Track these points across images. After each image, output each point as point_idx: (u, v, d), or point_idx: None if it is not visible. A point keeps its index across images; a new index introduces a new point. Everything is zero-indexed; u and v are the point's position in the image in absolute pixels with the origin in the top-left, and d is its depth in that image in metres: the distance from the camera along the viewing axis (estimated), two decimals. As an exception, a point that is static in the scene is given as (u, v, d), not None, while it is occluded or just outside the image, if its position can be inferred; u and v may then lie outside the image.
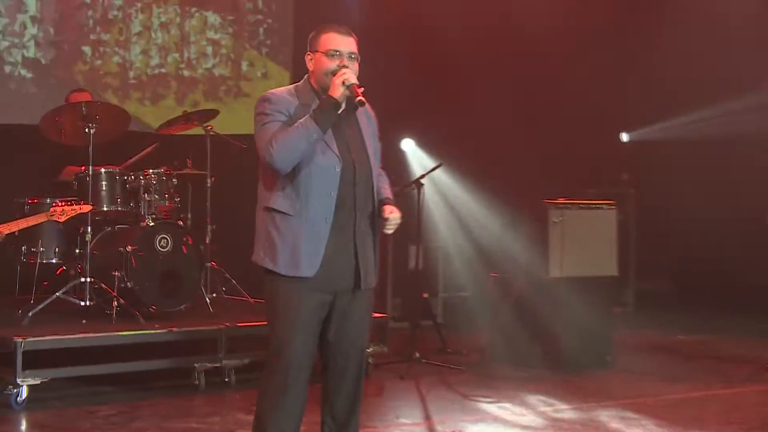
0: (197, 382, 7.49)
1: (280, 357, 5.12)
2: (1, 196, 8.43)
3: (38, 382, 7.07)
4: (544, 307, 8.52)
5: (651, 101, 12.51)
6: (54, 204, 7.42)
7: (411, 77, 11.87)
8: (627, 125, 13.11)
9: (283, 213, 5.06)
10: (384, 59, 11.07)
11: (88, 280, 7.67)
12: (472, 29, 11.83)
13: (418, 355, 8.49)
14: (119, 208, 8.05)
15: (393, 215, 5.04)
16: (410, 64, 11.86)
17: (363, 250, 5.16)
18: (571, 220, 8.54)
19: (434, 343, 9.18)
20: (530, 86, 12.23)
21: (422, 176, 8.95)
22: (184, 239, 8.18)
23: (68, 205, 7.18)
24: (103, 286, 7.71)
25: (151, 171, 8.13)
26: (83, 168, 7.75)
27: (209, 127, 8.74)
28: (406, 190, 8.94)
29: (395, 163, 10.82)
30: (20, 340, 6.85)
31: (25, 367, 7.03)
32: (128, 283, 7.76)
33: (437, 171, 9.52)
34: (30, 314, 7.49)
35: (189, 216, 8.91)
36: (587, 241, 8.66)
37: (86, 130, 7.71)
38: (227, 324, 7.71)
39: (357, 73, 5.09)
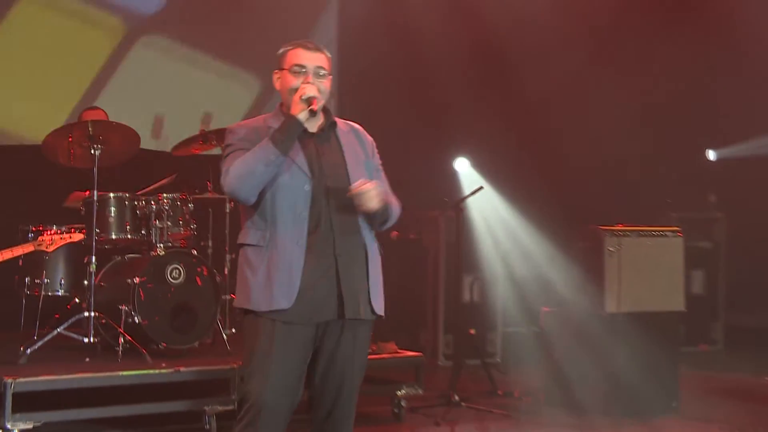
0: (208, 427, 7.05)
1: (251, 406, 4.74)
2: (9, 222, 8.11)
3: (30, 426, 6.65)
4: (600, 346, 7.86)
5: (741, 115, 11.72)
6: (46, 232, 7.04)
7: (469, 91, 11.44)
8: (714, 142, 12.41)
9: (254, 246, 4.83)
10: (441, 73, 10.96)
11: (93, 314, 7.20)
12: (538, 45, 11.45)
13: (457, 398, 7.90)
14: (129, 236, 7.65)
15: (362, 188, 4.67)
16: (469, 77, 11.50)
17: (348, 276, 4.82)
18: (629, 249, 7.87)
19: (485, 385, 8.63)
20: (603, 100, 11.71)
21: (462, 199, 8.42)
22: (198, 270, 7.76)
23: (57, 234, 6.84)
24: (109, 321, 7.27)
25: (164, 196, 7.70)
26: (88, 193, 7.37)
27: (202, 131, 8.31)
28: (448, 214, 8.56)
29: (445, 184, 10.59)
30: (10, 380, 6.47)
31: (15, 410, 6.66)
32: (136, 318, 7.37)
33: (494, 195, 9.16)
34: (28, 351, 7.06)
35: (210, 244, 8.52)
36: (649, 273, 8.00)
37: (91, 151, 7.29)
38: (241, 363, 7.13)
39: (327, 91, 4.91)
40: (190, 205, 7.97)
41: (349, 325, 4.85)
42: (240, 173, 4.73)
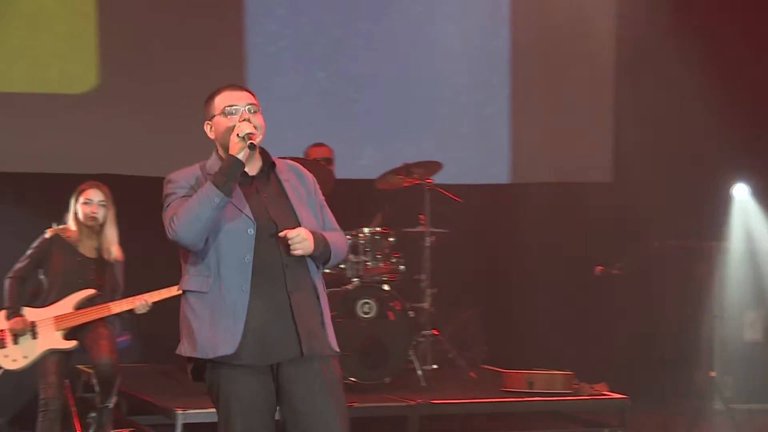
0: None
1: None
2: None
3: None
4: None
5: None
6: None
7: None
8: None
9: (197, 292, 4.86)
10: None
11: None
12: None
13: None
14: (325, 270, 7.74)
15: (288, 233, 4.73)
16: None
17: (302, 313, 4.78)
18: None
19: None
20: None
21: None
22: (391, 304, 7.85)
23: None
24: None
25: (364, 230, 7.92)
26: None
27: (429, 181, 8.41)
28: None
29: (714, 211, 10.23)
30: (180, 412, 7.04)
31: None
32: None
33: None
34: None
35: (422, 277, 8.48)
36: None
37: None
38: (419, 400, 7.30)
39: (262, 126, 4.95)
40: (391, 239, 8.09)
41: (311, 362, 4.84)
42: (185, 220, 4.81)
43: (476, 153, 11.74)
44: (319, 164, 8.45)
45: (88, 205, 7.34)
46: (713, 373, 9.18)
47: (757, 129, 11.25)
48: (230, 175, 4.79)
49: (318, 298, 4.92)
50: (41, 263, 7.65)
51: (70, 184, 7.68)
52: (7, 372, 7.70)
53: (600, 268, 8.64)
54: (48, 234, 7.31)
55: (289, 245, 4.73)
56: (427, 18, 11.53)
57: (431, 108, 11.42)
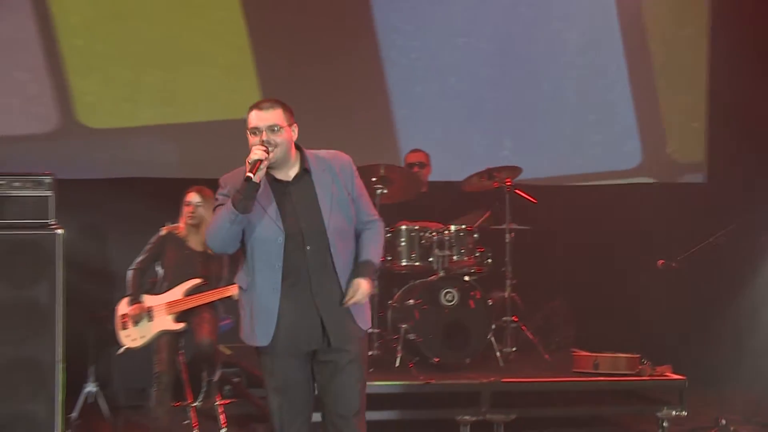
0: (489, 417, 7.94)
1: (273, 421, 5.55)
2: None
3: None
4: None
5: None
6: None
7: None
8: None
9: (242, 288, 5.52)
10: None
11: (374, 331, 8.34)
12: None
13: (724, 422, 8.12)
14: (415, 263, 8.62)
15: (353, 300, 5.27)
16: None
17: (328, 309, 5.37)
18: None
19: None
20: None
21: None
22: (472, 293, 8.59)
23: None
24: (392, 337, 8.52)
25: (450, 228, 8.61)
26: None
27: (508, 183, 9.03)
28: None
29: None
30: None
31: None
32: (411, 335, 8.34)
33: None
34: None
35: (510, 269, 9.14)
36: None
37: (376, 190, 8.46)
38: (492, 378, 8.07)
39: (285, 141, 5.45)
40: (475, 236, 8.77)
41: (338, 352, 5.42)
42: (211, 231, 5.44)
43: (605, 139, 12.22)
44: (409, 171, 9.31)
45: (188, 206, 8.19)
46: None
47: None
48: (246, 195, 5.30)
49: (341, 289, 5.47)
50: (158, 257, 8.44)
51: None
52: (128, 350, 8.57)
53: (662, 261, 9.10)
54: (163, 231, 8.23)
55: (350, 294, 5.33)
56: (543, 18, 12.03)
57: (558, 100, 11.95)
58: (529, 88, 12.15)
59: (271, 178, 5.48)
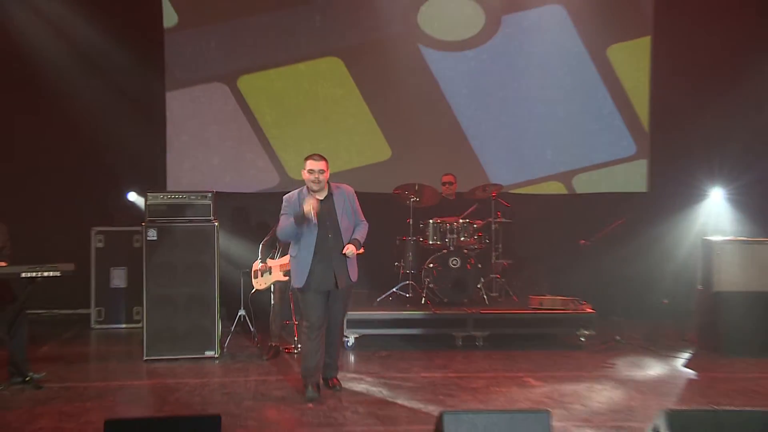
0: (459, 343, 11.11)
1: (306, 322, 8.77)
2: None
3: (357, 335, 11.28)
4: (710, 314, 11.06)
5: None
6: None
7: None
8: None
9: (292, 256, 8.84)
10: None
11: (410, 283, 11.78)
12: None
13: (618, 337, 11.34)
14: (437, 242, 11.83)
15: (347, 251, 8.57)
16: None
17: (339, 269, 8.71)
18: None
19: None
20: None
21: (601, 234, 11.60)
22: (469, 260, 11.69)
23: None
24: (416, 286, 11.74)
25: (460, 221, 11.74)
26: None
27: (493, 194, 12.15)
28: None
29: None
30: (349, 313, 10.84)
31: (348, 327, 11.26)
32: (431, 285, 11.63)
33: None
34: (378, 300, 11.87)
35: (500, 248, 12.28)
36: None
37: (410, 199, 11.92)
38: (471, 310, 11.28)
39: (323, 180, 8.63)
40: (475, 226, 11.82)
41: (338, 290, 8.67)
42: (281, 231, 8.67)
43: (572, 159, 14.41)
44: (431, 188, 12.37)
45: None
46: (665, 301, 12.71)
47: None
48: (300, 222, 8.44)
49: (346, 261, 8.68)
50: (275, 237, 10.55)
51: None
52: (257, 290, 11.19)
53: (582, 241, 11.88)
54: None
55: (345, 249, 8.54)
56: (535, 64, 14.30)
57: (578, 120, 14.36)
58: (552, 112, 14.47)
59: (311, 197, 8.62)
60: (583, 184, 14.58)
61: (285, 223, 8.69)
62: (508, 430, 6.55)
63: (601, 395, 9.16)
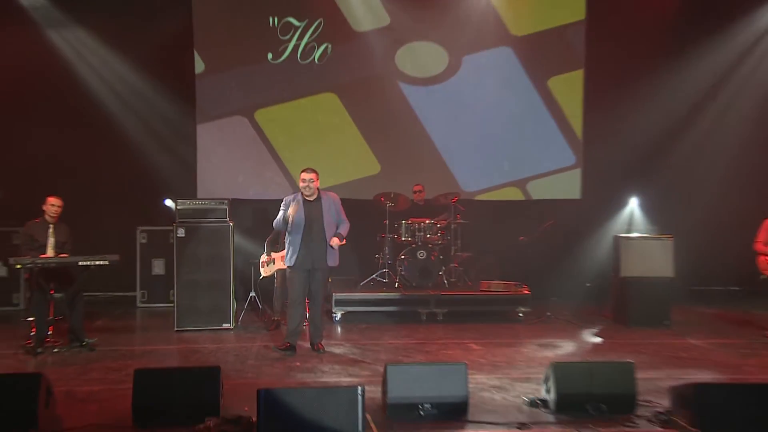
0: (423, 318, 11.67)
1: (292, 300, 9.50)
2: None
3: (343, 312, 11.97)
4: (619, 295, 11.74)
5: None
6: None
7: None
8: None
9: (286, 242, 9.60)
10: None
11: (387, 270, 12.45)
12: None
13: (549, 314, 12.03)
14: (408, 238, 12.40)
15: (333, 242, 9.28)
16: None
17: (318, 253, 9.38)
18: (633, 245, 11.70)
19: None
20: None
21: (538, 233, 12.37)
22: (433, 253, 12.30)
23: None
24: (392, 274, 12.38)
25: (425, 222, 12.31)
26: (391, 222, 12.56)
27: (454, 200, 12.78)
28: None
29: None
30: (334, 294, 11.76)
31: (336, 305, 12.05)
32: (402, 272, 12.27)
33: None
34: (361, 284, 12.51)
35: (459, 244, 12.84)
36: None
37: (387, 204, 12.55)
38: (433, 292, 11.89)
39: (314, 186, 9.31)
40: (438, 225, 12.36)
41: (316, 270, 9.36)
42: (276, 221, 9.45)
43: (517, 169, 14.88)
44: (404, 196, 12.97)
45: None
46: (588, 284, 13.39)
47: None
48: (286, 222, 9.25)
49: (326, 248, 9.35)
50: (277, 234, 11.06)
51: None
52: (264, 277, 11.60)
53: (522, 238, 12.82)
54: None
55: (331, 240, 9.15)
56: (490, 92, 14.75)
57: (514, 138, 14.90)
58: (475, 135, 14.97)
59: (303, 200, 9.33)
60: (536, 190, 15.10)
61: (279, 217, 9.55)
62: (434, 376, 7.28)
63: (523, 355, 9.81)
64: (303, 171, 9.58)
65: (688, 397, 7.07)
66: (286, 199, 9.66)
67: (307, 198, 9.46)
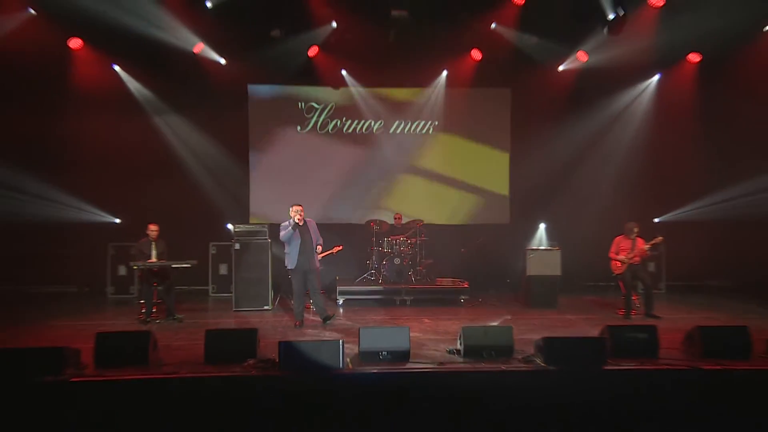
0: (397, 303, 12.25)
1: (294, 292, 10.01)
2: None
3: (344, 299, 12.65)
4: (527, 288, 12.28)
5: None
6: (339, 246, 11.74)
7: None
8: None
9: (286, 252, 10.04)
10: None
11: (373, 271, 13.17)
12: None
13: (480, 299, 12.71)
14: (388, 250, 13.15)
15: (318, 251, 9.76)
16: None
17: (311, 259, 9.94)
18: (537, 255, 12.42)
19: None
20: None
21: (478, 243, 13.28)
22: (405, 260, 12.92)
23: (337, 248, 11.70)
24: (380, 269, 12.97)
25: (401, 238, 13.07)
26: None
27: (419, 224, 13.60)
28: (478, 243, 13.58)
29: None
30: (338, 287, 12.51)
31: (340, 294, 12.64)
32: (384, 273, 12.97)
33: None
34: (356, 280, 13.26)
35: (423, 253, 13.55)
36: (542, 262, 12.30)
37: (374, 227, 13.43)
38: (404, 286, 12.53)
39: (301, 216, 9.65)
40: (409, 242, 13.05)
41: (309, 272, 9.86)
42: (282, 236, 9.78)
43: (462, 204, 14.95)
44: (384, 221, 13.72)
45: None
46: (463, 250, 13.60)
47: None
48: (295, 228, 9.62)
49: (315, 256, 9.87)
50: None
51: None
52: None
53: (464, 250, 13.59)
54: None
55: (317, 250, 9.75)
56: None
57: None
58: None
59: (295, 225, 9.89)
60: (476, 217, 15.38)
61: (283, 233, 10.15)
62: (388, 335, 8.10)
63: (456, 325, 10.11)
64: (293, 205, 10.13)
65: (542, 346, 8.06)
66: (283, 224, 10.22)
67: (298, 222, 10.11)
